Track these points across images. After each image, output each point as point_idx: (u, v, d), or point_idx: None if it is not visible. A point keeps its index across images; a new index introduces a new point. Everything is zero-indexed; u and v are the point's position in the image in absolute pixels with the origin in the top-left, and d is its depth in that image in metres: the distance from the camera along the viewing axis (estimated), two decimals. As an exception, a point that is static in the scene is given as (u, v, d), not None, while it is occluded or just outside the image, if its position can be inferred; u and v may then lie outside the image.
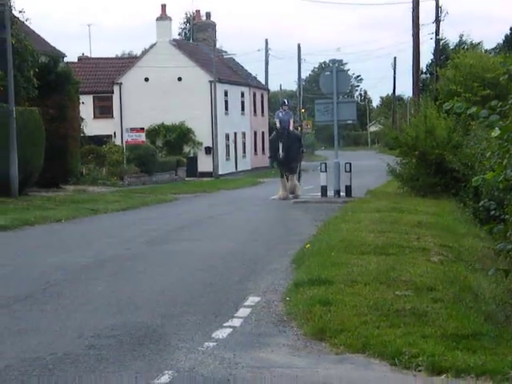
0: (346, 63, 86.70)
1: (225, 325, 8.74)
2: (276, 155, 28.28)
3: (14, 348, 7.96)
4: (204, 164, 56.07)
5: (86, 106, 51.67)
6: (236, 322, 8.85)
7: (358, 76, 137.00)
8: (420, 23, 39.13)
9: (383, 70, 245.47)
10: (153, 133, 55.53)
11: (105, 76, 60.07)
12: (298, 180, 29.06)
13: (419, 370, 7.13)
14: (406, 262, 11.94)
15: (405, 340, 7.71)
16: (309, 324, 8.52)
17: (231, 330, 8.55)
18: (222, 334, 8.38)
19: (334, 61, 28.11)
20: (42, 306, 9.90)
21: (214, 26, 66.03)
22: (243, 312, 9.33)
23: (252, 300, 9.97)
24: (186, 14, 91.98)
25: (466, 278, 11.22)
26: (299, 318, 8.85)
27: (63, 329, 8.68)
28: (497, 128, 7.62)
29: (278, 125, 28.08)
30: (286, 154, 27.53)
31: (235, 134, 61.82)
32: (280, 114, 28.44)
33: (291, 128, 28.68)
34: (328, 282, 10.33)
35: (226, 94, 59.77)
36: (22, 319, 9.15)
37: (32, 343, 8.11)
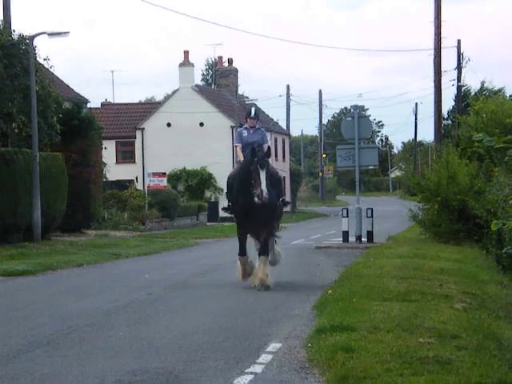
0: (367, 109, 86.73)
1: (246, 371, 8.67)
2: (239, 201, 15.43)
3: (36, 393, 7.95)
4: (225, 209, 56.02)
5: (109, 150, 52.04)
6: (257, 369, 8.78)
7: (379, 122, 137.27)
8: (442, 70, 39.20)
9: (405, 116, 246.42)
10: (174, 178, 55.79)
11: (127, 121, 60.57)
12: (275, 242, 16.71)
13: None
14: (428, 309, 11.86)
15: (428, 388, 7.63)
16: (331, 371, 8.45)
17: (253, 376, 8.48)
18: (243, 380, 8.32)
19: (355, 106, 28.21)
20: (63, 351, 9.88)
21: (236, 72, 66.47)
22: (265, 358, 9.26)
23: (274, 346, 9.90)
24: (208, 60, 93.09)
25: (490, 326, 11.12)
26: (321, 364, 8.78)
27: (85, 374, 8.65)
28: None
29: (239, 152, 15.85)
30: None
31: (256, 179, 61.76)
32: (244, 133, 15.97)
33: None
34: (350, 328, 10.27)
35: (247, 139, 59.89)
36: (44, 365, 9.13)
37: (53, 388, 8.10)
